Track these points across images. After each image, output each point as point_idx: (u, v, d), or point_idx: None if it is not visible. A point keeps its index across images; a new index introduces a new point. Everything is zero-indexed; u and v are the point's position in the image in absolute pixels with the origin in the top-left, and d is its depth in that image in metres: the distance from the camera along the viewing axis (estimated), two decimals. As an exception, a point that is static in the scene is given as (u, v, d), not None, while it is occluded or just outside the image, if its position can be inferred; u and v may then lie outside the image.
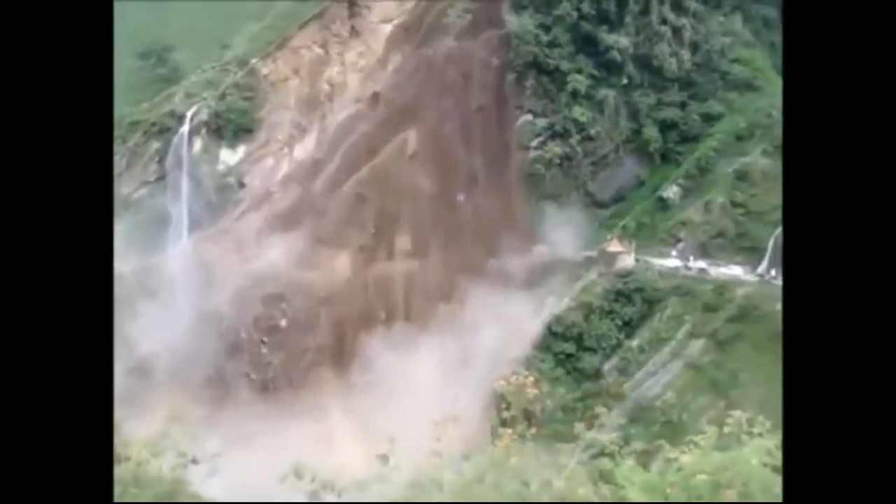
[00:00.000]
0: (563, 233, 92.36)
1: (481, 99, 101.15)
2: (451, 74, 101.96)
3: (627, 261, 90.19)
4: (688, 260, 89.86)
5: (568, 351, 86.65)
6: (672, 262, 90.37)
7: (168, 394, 76.90)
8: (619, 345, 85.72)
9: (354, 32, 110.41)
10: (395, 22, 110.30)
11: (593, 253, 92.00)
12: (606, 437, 10.47)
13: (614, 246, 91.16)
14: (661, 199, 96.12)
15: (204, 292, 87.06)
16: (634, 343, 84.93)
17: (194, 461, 9.88)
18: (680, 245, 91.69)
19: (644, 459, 9.63)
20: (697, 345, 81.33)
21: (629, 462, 9.22)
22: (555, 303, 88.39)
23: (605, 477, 9.38)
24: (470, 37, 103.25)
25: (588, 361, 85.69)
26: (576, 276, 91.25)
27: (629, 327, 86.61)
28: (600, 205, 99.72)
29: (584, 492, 8.74)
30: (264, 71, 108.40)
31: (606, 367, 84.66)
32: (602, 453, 10.16)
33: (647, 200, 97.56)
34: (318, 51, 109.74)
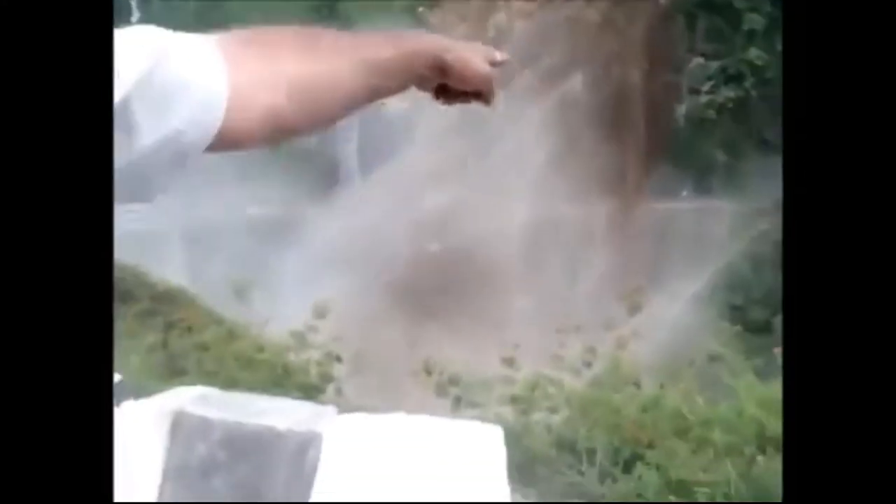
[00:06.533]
0: (734, 181, 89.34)
1: (648, 42, 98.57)
2: (616, 14, 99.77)
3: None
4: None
5: (735, 302, 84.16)
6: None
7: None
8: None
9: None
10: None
11: (765, 204, 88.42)
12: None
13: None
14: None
15: (371, 234, 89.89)
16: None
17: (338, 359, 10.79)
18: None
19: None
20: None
21: None
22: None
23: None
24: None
25: (757, 314, 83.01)
26: (745, 227, 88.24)
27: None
28: (776, 151, 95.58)
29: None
30: (432, 19, 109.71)
31: (776, 320, 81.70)
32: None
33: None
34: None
